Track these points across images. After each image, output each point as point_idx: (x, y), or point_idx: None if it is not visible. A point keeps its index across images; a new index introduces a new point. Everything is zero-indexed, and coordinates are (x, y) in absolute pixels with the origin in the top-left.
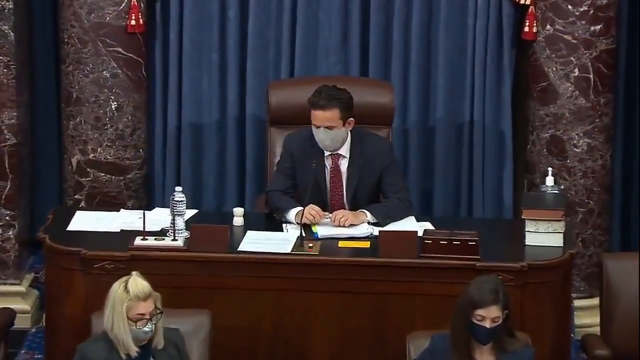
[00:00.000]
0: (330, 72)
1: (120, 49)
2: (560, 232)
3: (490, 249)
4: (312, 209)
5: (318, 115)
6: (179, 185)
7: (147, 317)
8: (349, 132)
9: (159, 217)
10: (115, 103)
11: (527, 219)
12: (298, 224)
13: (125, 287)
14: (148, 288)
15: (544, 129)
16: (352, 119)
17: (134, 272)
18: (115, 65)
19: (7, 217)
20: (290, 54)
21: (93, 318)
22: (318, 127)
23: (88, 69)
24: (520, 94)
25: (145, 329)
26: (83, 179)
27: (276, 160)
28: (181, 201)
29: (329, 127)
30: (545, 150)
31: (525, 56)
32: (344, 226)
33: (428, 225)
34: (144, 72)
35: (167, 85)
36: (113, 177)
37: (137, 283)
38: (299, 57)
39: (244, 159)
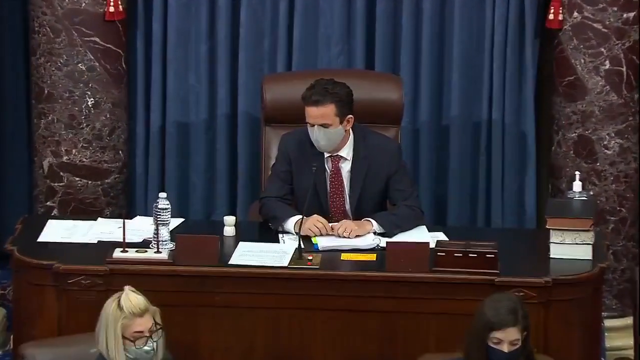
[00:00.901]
0: (332, 64)
1: (97, 39)
2: (589, 244)
3: (510, 262)
4: (318, 221)
5: (311, 112)
6: (163, 191)
7: (147, 334)
8: (351, 132)
9: (140, 227)
10: (91, 99)
11: (552, 229)
12: (297, 234)
13: (118, 304)
14: (144, 302)
15: (571, 128)
16: (351, 116)
17: (126, 287)
18: (92, 58)
19: None
20: (287, 44)
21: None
22: (312, 125)
23: (61, 61)
24: (544, 90)
25: (146, 347)
26: (56, 184)
27: (271, 163)
28: (165, 209)
29: (324, 125)
30: (572, 152)
31: (549, 47)
32: (347, 237)
33: (441, 236)
34: (123, 65)
35: (149, 79)
36: (89, 182)
37: (131, 298)
38: (297, 49)
39: (236, 162)
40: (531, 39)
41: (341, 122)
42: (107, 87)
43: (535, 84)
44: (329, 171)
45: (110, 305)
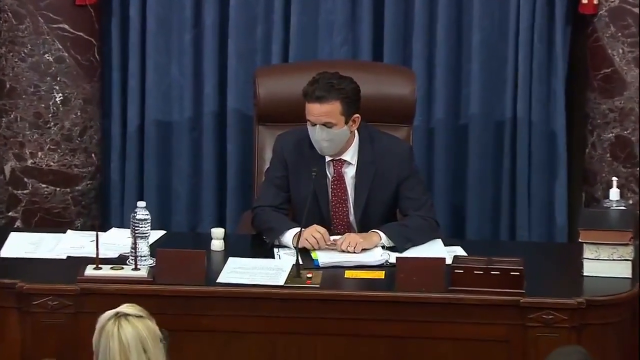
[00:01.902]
0: (335, 55)
1: (66, 26)
2: (628, 260)
3: (538, 281)
4: (316, 231)
5: (314, 109)
6: (141, 199)
7: None
8: (356, 133)
9: (116, 240)
10: (60, 95)
11: (586, 243)
12: (295, 248)
13: (120, 339)
14: (153, 331)
15: (607, 127)
16: (357, 115)
17: (125, 308)
18: (61, 47)
19: None
20: (283, 32)
21: None
22: (314, 124)
23: (25, 51)
24: (576, 84)
25: None
26: (19, 192)
27: (265, 168)
28: (144, 220)
29: (328, 125)
30: (608, 155)
31: (583, 35)
32: (352, 252)
33: (459, 251)
34: (97, 56)
35: (126, 72)
36: (57, 189)
37: (127, 332)
38: (295, 37)
39: (225, 166)
40: (562, 25)
41: (346, 122)
42: (77, 81)
43: (567, 77)
44: (330, 177)
45: (111, 343)
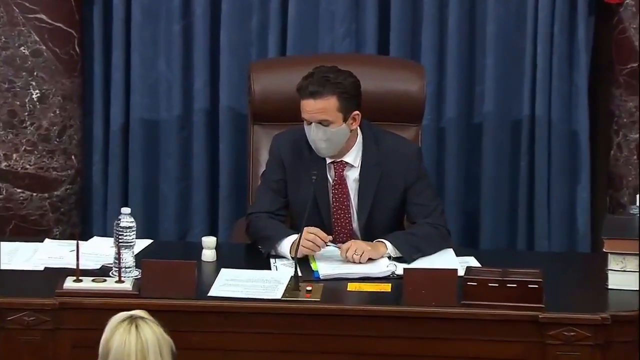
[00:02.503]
0: (337, 48)
1: (44, 17)
2: None
3: (558, 294)
4: (307, 232)
5: (308, 106)
6: (126, 205)
7: None
8: (359, 132)
9: (98, 250)
10: (37, 92)
11: (611, 253)
12: (293, 258)
13: (139, 337)
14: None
15: (634, 127)
16: (357, 112)
17: (138, 312)
18: (38, 39)
19: None
20: (280, 23)
21: None
22: (309, 122)
23: None
24: (600, 80)
25: None
26: None
27: (261, 171)
28: (129, 227)
29: (324, 123)
30: (635, 157)
31: (607, 27)
32: (356, 262)
33: (472, 262)
34: (77, 49)
35: (109, 67)
36: (34, 194)
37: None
38: (293, 28)
39: (217, 169)
40: (585, 15)
41: (345, 120)
42: (56, 76)
43: (590, 72)
44: (331, 180)
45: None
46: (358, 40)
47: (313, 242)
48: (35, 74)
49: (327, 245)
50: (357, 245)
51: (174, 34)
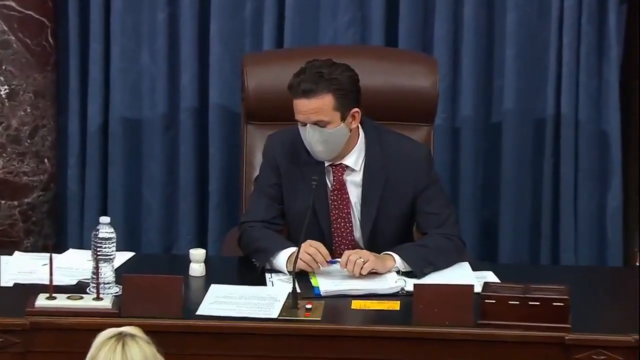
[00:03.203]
0: (339, 39)
1: (13, 4)
2: None
3: (586, 313)
4: (309, 246)
5: (301, 106)
6: (105, 214)
7: None
8: (361, 132)
9: (74, 264)
10: (5, 88)
11: None
12: (290, 273)
13: (124, 356)
14: None
15: None
16: (357, 110)
17: (130, 329)
18: (6, 29)
19: None
20: (277, 12)
21: None
22: (303, 123)
23: None
24: (633, 75)
25: None
26: None
27: (255, 175)
28: (109, 239)
29: (319, 124)
30: None
31: None
32: (359, 271)
33: (490, 277)
34: (50, 40)
35: (86, 60)
36: (2, 201)
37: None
38: (291, 17)
39: (206, 174)
40: (615, 3)
41: (343, 119)
42: (27, 70)
43: (621, 67)
44: (330, 186)
45: None
46: (363, 30)
47: (312, 257)
48: (3, 67)
49: (327, 264)
50: (360, 253)
51: (158, 24)
